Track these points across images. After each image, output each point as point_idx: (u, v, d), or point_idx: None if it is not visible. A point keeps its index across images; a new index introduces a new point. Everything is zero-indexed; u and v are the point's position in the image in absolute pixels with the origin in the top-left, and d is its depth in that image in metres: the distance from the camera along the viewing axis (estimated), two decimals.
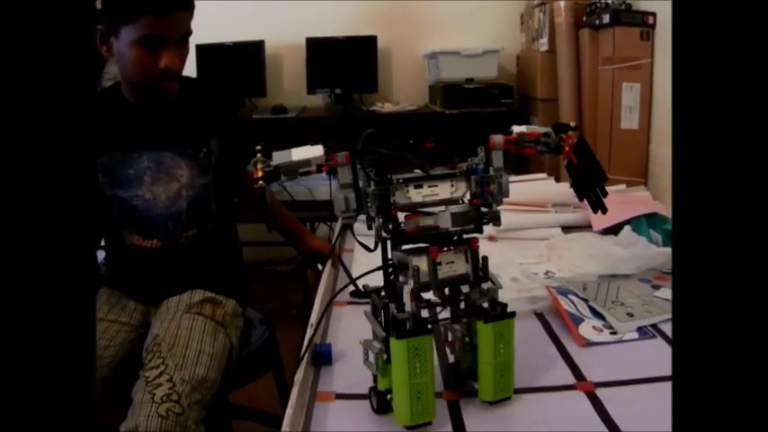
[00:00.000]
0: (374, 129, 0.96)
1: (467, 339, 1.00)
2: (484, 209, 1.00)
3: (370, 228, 0.96)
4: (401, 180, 0.97)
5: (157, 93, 1.45)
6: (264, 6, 3.78)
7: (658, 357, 1.13)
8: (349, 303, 1.38)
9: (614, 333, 1.22)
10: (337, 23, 3.79)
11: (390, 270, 0.98)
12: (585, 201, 1.13)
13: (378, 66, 3.79)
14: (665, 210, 1.76)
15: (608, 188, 1.12)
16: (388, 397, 0.96)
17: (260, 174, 0.94)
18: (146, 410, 1.21)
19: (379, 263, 0.98)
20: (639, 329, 1.23)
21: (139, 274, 1.57)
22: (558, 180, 2.11)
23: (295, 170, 0.98)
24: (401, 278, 0.97)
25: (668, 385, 1.00)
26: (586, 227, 1.79)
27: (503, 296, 1.00)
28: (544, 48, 3.24)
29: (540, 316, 1.32)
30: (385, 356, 0.94)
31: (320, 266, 1.68)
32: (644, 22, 2.74)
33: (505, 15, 3.85)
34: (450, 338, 1.04)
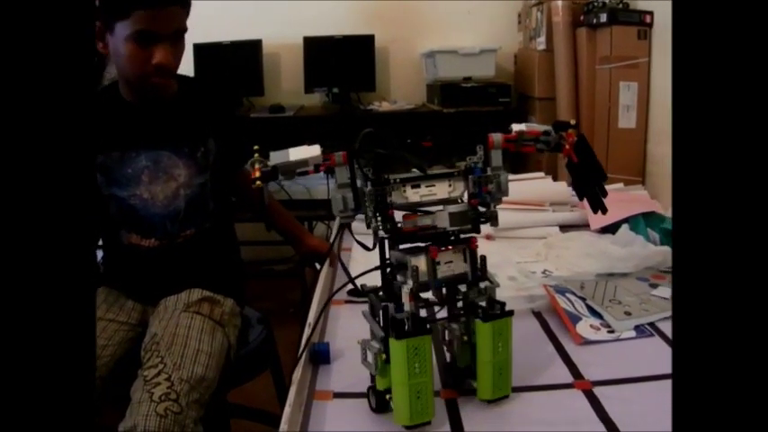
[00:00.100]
0: (372, 128, 0.96)
1: (465, 338, 1.00)
2: (482, 208, 1.00)
3: (368, 227, 0.96)
4: (398, 180, 0.97)
5: (152, 90, 1.45)
6: (262, 5, 3.78)
7: (656, 356, 1.13)
8: (347, 302, 1.38)
9: (612, 332, 1.22)
10: (335, 22, 3.78)
11: (388, 270, 0.98)
12: (585, 200, 1.13)
13: (375, 65, 3.79)
14: (663, 209, 1.76)
15: (606, 187, 1.12)
16: (387, 397, 0.96)
17: (257, 174, 0.94)
18: (144, 409, 1.21)
19: (377, 262, 0.98)
20: (637, 328, 1.23)
21: (137, 273, 1.57)
22: (555, 179, 2.11)
23: (293, 170, 0.98)
24: (399, 278, 0.97)
25: (666, 383, 1.01)
26: (584, 226, 1.79)
27: (500, 295, 1.00)
28: (542, 47, 3.24)
29: (537, 315, 1.32)
30: (384, 356, 0.94)
31: (318, 265, 1.68)
32: (641, 21, 2.74)
33: (503, 14, 3.85)
34: (447, 337, 1.04)
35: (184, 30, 1.43)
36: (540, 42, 3.25)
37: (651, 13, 2.73)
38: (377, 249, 0.98)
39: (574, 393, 1.04)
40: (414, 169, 0.98)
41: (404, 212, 0.99)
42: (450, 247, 0.98)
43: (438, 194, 0.99)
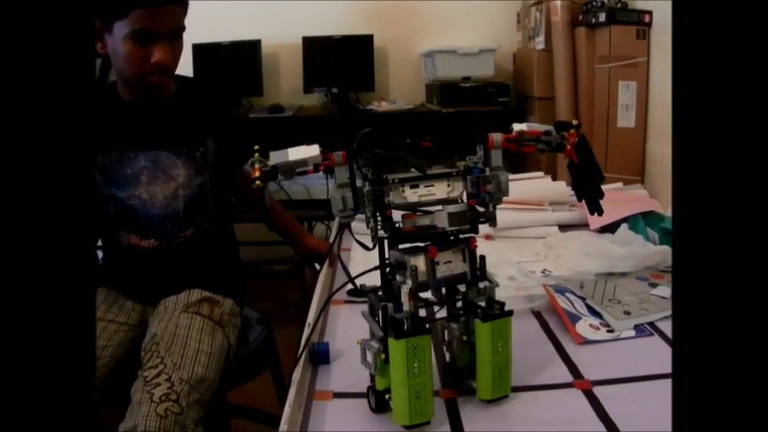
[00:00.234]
0: (370, 128, 0.96)
1: (464, 338, 1.00)
2: (481, 208, 1.00)
3: (368, 227, 0.96)
4: (396, 180, 0.97)
5: (151, 89, 1.45)
6: (261, 6, 3.78)
7: (655, 355, 1.13)
8: (346, 302, 1.38)
9: (611, 331, 1.22)
10: (334, 22, 3.78)
11: (388, 270, 0.98)
12: (584, 201, 1.13)
13: (374, 65, 3.79)
14: (662, 208, 1.76)
15: (605, 186, 1.12)
16: (387, 396, 0.96)
17: (257, 174, 0.94)
18: (144, 410, 1.21)
19: (377, 262, 0.98)
20: (636, 327, 1.23)
21: (137, 273, 1.57)
22: (554, 178, 2.11)
23: (292, 170, 0.98)
24: (398, 278, 0.97)
25: (666, 383, 1.01)
26: (583, 225, 1.79)
27: (500, 295, 1.00)
28: (540, 46, 3.24)
29: (537, 314, 1.32)
30: (383, 356, 0.94)
31: (317, 265, 1.68)
32: (640, 21, 2.74)
33: (502, 14, 3.85)
34: (447, 337, 1.04)
35: (182, 28, 1.43)
36: (539, 42, 3.25)
37: (650, 13, 2.73)
38: (376, 249, 0.98)
39: (573, 393, 1.04)
40: (412, 169, 0.98)
41: (403, 212, 0.99)
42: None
43: (437, 194, 0.99)
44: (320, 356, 1.15)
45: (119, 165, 1.50)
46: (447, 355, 1.07)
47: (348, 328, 1.26)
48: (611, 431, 0.93)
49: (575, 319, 1.26)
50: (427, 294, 0.99)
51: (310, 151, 0.97)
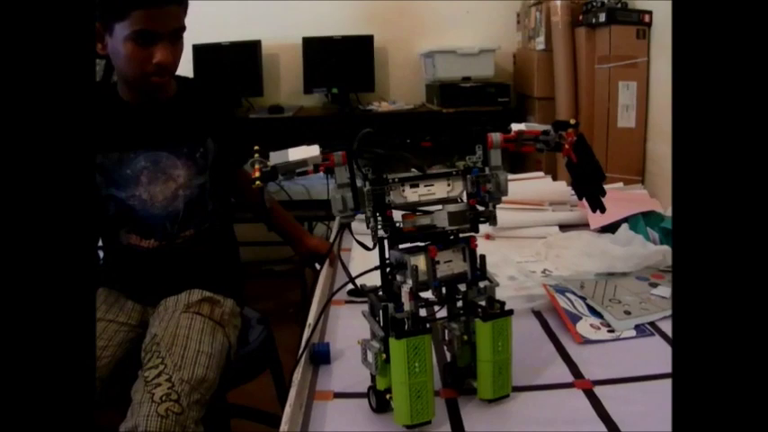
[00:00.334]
0: (370, 128, 0.96)
1: (465, 338, 1.00)
2: (481, 208, 1.00)
3: (368, 227, 0.96)
4: (396, 179, 0.97)
5: (151, 89, 1.45)
6: (261, 6, 3.78)
7: (656, 355, 1.13)
8: (347, 302, 1.38)
9: (612, 331, 1.22)
10: (334, 23, 3.79)
11: (388, 269, 0.98)
12: (584, 199, 1.12)
13: (374, 65, 3.79)
14: (662, 208, 1.76)
15: (605, 186, 1.12)
16: (388, 396, 0.96)
17: (257, 174, 0.94)
18: (145, 410, 1.21)
19: (377, 262, 0.98)
20: (637, 327, 1.23)
21: (137, 273, 1.57)
22: (555, 178, 2.11)
23: (292, 170, 0.97)
24: (399, 277, 0.97)
25: (666, 383, 1.01)
26: (584, 225, 1.79)
27: (500, 295, 1.00)
28: (541, 46, 3.24)
29: (537, 314, 1.32)
30: (384, 356, 0.94)
31: (318, 266, 1.68)
32: (640, 21, 2.74)
33: (502, 14, 3.85)
34: (447, 337, 1.04)
35: (183, 28, 1.43)
36: (539, 42, 3.25)
37: (650, 13, 2.73)
38: (376, 249, 0.98)
39: (574, 393, 1.04)
40: (413, 169, 0.98)
41: (403, 212, 0.99)
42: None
43: (437, 194, 0.99)
44: (321, 356, 1.15)
45: (119, 165, 1.50)
46: (448, 355, 1.07)
47: (349, 328, 1.26)
48: (611, 431, 0.93)
49: (575, 318, 1.26)
50: (428, 294, 0.99)
51: (310, 151, 0.97)
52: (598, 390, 1.04)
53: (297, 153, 0.97)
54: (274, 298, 3.46)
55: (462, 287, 1.01)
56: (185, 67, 1.53)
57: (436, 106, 3.58)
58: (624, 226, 1.64)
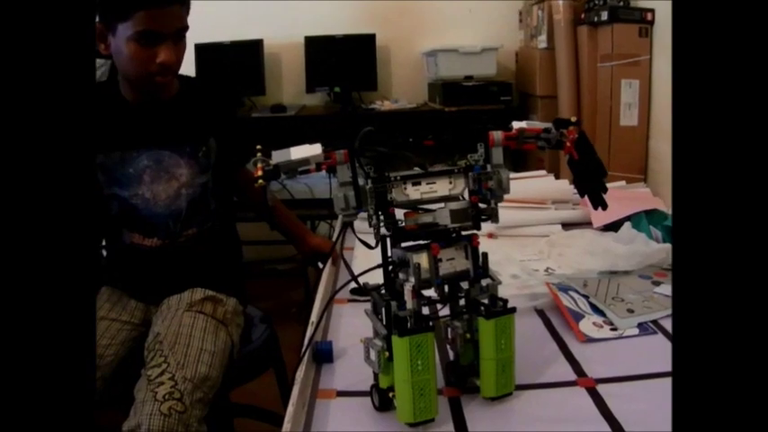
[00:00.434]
0: (372, 127, 0.97)
1: (468, 336, 1.00)
2: (482, 205, 1.00)
3: (371, 225, 0.96)
4: (398, 177, 0.97)
5: (154, 89, 1.45)
6: (263, 5, 3.78)
7: (659, 353, 1.13)
8: (349, 301, 1.38)
9: (614, 329, 1.22)
10: (336, 22, 3.78)
11: (390, 267, 0.98)
12: (586, 197, 1.13)
13: (377, 64, 3.79)
14: (665, 206, 1.76)
15: (608, 185, 1.12)
16: (390, 394, 0.96)
17: (260, 173, 0.94)
18: (148, 409, 1.22)
19: (380, 260, 0.98)
20: (640, 325, 1.23)
21: (140, 272, 1.57)
22: (557, 177, 2.11)
23: (294, 169, 0.98)
24: (401, 275, 0.97)
25: (669, 381, 1.01)
26: (586, 223, 1.79)
27: (503, 293, 1.00)
28: (543, 45, 3.24)
29: (540, 312, 1.32)
30: (387, 354, 0.94)
31: (320, 264, 1.68)
32: (642, 19, 2.73)
33: (504, 13, 3.84)
34: (450, 335, 1.04)
35: (186, 28, 1.43)
36: (542, 41, 3.25)
37: (652, 11, 2.72)
38: (379, 247, 0.98)
39: (577, 391, 1.04)
40: (415, 167, 0.98)
41: (405, 210, 0.99)
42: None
43: (439, 192, 0.99)
44: (323, 355, 1.15)
45: (121, 164, 1.50)
46: (450, 353, 1.07)
47: (351, 327, 1.26)
48: (614, 429, 0.93)
49: (578, 317, 1.26)
50: (430, 292, 0.99)
51: (313, 150, 0.97)
52: (601, 388, 1.04)
53: (299, 152, 0.97)
54: (277, 297, 3.46)
55: (465, 285, 1.01)
56: (187, 67, 1.52)
57: (438, 105, 3.58)
58: (627, 224, 1.64)
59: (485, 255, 0.99)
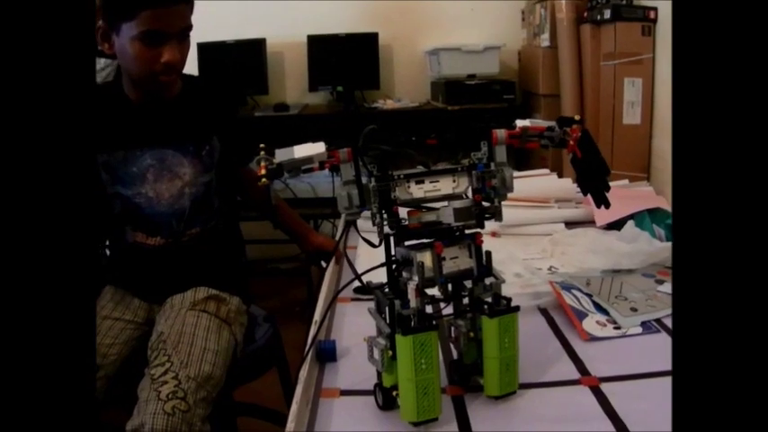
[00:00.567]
0: (375, 125, 0.96)
1: (471, 334, 1.00)
2: (486, 204, 1.00)
3: (374, 224, 0.96)
4: (402, 176, 0.97)
5: (158, 88, 1.45)
6: (266, 4, 3.78)
7: (662, 352, 1.13)
8: (353, 300, 1.38)
9: (618, 328, 1.22)
10: (338, 21, 3.79)
11: (394, 266, 0.98)
12: (589, 195, 1.12)
13: (379, 63, 3.79)
14: (668, 204, 1.76)
15: (611, 183, 1.12)
16: (394, 393, 0.96)
17: (263, 171, 0.94)
18: (152, 408, 1.22)
19: (383, 259, 0.98)
20: (643, 324, 1.23)
21: (143, 271, 1.57)
22: (560, 175, 2.11)
23: (298, 167, 0.98)
24: (405, 274, 0.97)
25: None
26: (589, 222, 1.79)
27: (506, 292, 1.00)
28: (545, 44, 3.24)
29: (543, 311, 1.32)
30: (390, 353, 0.94)
31: (324, 263, 1.68)
32: (645, 17, 2.73)
33: (506, 11, 3.85)
34: (453, 334, 1.04)
35: (190, 27, 1.44)
36: (544, 39, 3.25)
37: (655, 9, 2.72)
38: (382, 246, 0.98)
39: (581, 389, 1.04)
40: (418, 166, 0.98)
41: (408, 209, 0.99)
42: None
43: (442, 190, 0.99)
44: (327, 354, 1.15)
45: (124, 163, 1.50)
46: (454, 352, 1.07)
47: (355, 326, 1.26)
48: (618, 428, 0.93)
49: (581, 315, 1.26)
50: (434, 291, 0.99)
51: (316, 149, 0.97)
52: (604, 386, 1.04)
53: (302, 150, 0.97)
54: (280, 296, 3.46)
55: (468, 284, 1.01)
56: (190, 66, 1.53)
57: (441, 104, 3.58)
58: (630, 223, 1.64)
59: (488, 253, 0.99)
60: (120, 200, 1.52)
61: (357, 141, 0.95)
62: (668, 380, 1.04)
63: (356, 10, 3.82)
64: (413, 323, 0.92)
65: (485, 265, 0.99)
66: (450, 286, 1.01)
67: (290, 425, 0.93)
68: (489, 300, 0.99)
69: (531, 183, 1.97)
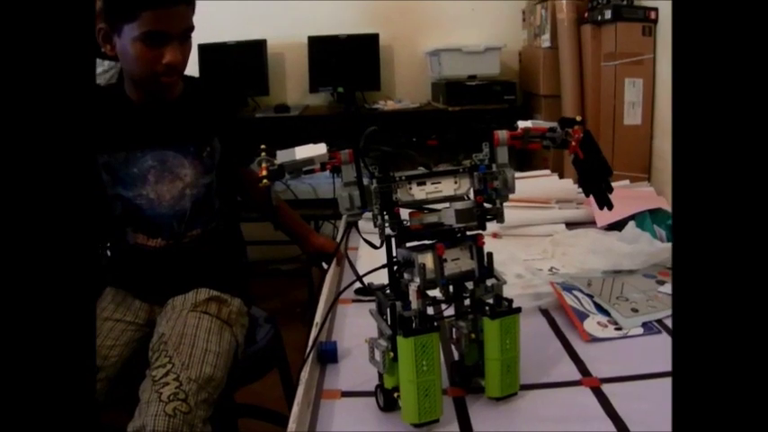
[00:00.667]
0: (376, 126, 0.96)
1: (472, 336, 1.00)
2: (488, 205, 1.00)
3: (376, 225, 0.96)
4: (403, 177, 0.97)
5: (160, 89, 1.45)
6: (266, 5, 3.78)
7: (663, 352, 1.13)
8: (354, 301, 1.38)
9: (619, 329, 1.22)
10: (339, 22, 3.79)
11: (395, 267, 0.98)
12: (591, 197, 1.12)
13: (380, 64, 3.79)
14: (669, 205, 1.76)
15: (612, 184, 1.12)
16: (395, 395, 0.96)
17: (264, 173, 0.94)
18: (153, 409, 1.22)
19: (384, 260, 0.98)
20: (644, 325, 1.23)
21: (144, 273, 1.57)
22: (561, 176, 2.11)
23: (299, 168, 0.98)
24: (406, 275, 0.97)
25: None
26: (590, 223, 1.79)
27: (507, 293, 1.00)
28: (546, 44, 3.23)
29: (544, 312, 1.32)
30: (391, 354, 0.94)
31: (325, 264, 1.68)
32: (646, 18, 2.73)
33: (507, 12, 3.84)
34: (455, 335, 1.04)
35: (192, 28, 1.44)
36: (545, 40, 3.25)
37: (656, 10, 2.72)
38: (383, 247, 0.98)
39: (582, 390, 1.04)
40: (420, 167, 0.98)
41: (410, 210, 0.99)
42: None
43: (444, 191, 0.99)
44: (328, 355, 1.15)
45: (125, 164, 1.50)
46: (455, 353, 1.07)
47: (356, 327, 1.26)
48: (619, 428, 0.93)
49: (582, 316, 1.26)
50: (435, 292, 0.99)
51: (317, 150, 0.97)
52: (606, 387, 1.04)
53: (304, 151, 0.97)
54: (281, 297, 3.46)
55: (469, 285, 1.01)
56: (191, 67, 1.53)
57: (442, 104, 3.58)
58: (631, 223, 1.64)
59: (489, 255, 0.99)
60: (120, 201, 1.52)
61: (358, 142, 0.95)
62: (669, 380, 1.04)
63: (357, 11, 3.82)
64: (414, 325, 0.92)
65: (486, 267, 0.99)
66: (451, 288, 1.01)
67: (292, 426, 0.93)
68: (490, 301, 0.99)
69: (532, 183, 1.97)
